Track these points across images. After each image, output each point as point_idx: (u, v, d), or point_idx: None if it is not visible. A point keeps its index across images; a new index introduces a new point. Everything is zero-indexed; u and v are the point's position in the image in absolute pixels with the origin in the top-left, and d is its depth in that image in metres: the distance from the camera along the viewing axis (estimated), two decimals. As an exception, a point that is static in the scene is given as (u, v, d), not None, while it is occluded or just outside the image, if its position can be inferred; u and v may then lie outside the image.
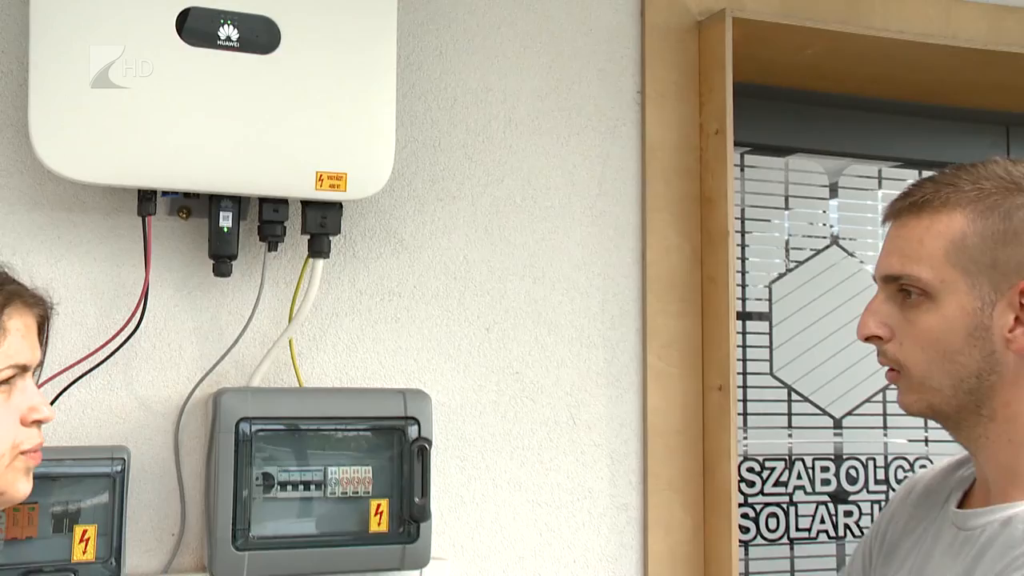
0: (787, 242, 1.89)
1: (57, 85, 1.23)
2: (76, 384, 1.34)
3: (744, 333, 1.84)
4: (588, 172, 1.60)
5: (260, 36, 1.30)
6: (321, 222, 1.37)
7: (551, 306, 1.57)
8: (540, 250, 1.57)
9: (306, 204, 1.37)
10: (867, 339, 0.93)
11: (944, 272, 0.87)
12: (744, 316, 1.85)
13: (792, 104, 1.88)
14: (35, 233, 1.35)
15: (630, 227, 1.61)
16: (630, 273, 1.61)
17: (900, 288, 0.91)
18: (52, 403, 1.31)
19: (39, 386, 0.95)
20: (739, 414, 1.80)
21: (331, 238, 1.40)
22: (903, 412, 0.93)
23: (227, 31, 1.29)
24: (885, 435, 1.91)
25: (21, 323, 0.90)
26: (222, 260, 1.36)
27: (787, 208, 1.90)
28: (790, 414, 1.86)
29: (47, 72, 1.22)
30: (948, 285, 0.87)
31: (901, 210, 0.92)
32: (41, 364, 0.95)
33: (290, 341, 1.42)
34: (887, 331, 0.91)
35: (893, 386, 0.94)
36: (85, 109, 1.23)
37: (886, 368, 0.93)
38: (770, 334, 1.86)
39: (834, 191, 1.93)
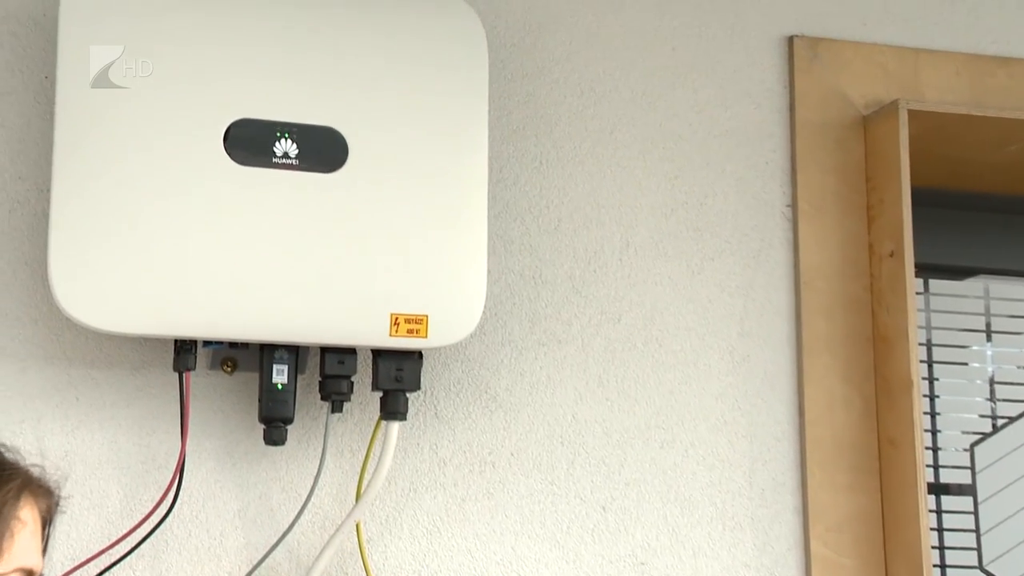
0: (992, 390, 1.86)
1: (83, 216, 1.26)
2: (93, 583, 1.34)
3: (939, 512, 1.78)
4: (727, 307, 1.58)
5: (324, 151, 1.33)
6: (396, 376, 1.37)
7: (684, 478, 1.53)
8: (668, 406, 1.55)
9: (378, 354, 1.37)
10: None
11: None
12: (938, 489, 1.79)
13: (989, 214, 1.85)
14: (49, 394, 1.37)
15: (783, 376, 1.59)
16: (784, 435, 1.57)
17: None
18: (63, 608, 1.31)
19: None
20: (937, 619, 1.74)
21: (409, 395, 1.39)
22: None
23: (284, 146, 1.32)
24: None
25: (30, 516, 0.93)
26: (275, 425, 1.35)
27: (990, 345, 1.86)
28: (1011, 623, 1.80)
29: (71, 201, 1.26)
30: None
31: None
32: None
33: (357, 525, 1.41)
34: None
35: None
36: (114, 245, 1.26)
37: None
38: (975, 513, 1.80)
39: (1054, 322, 1.90)
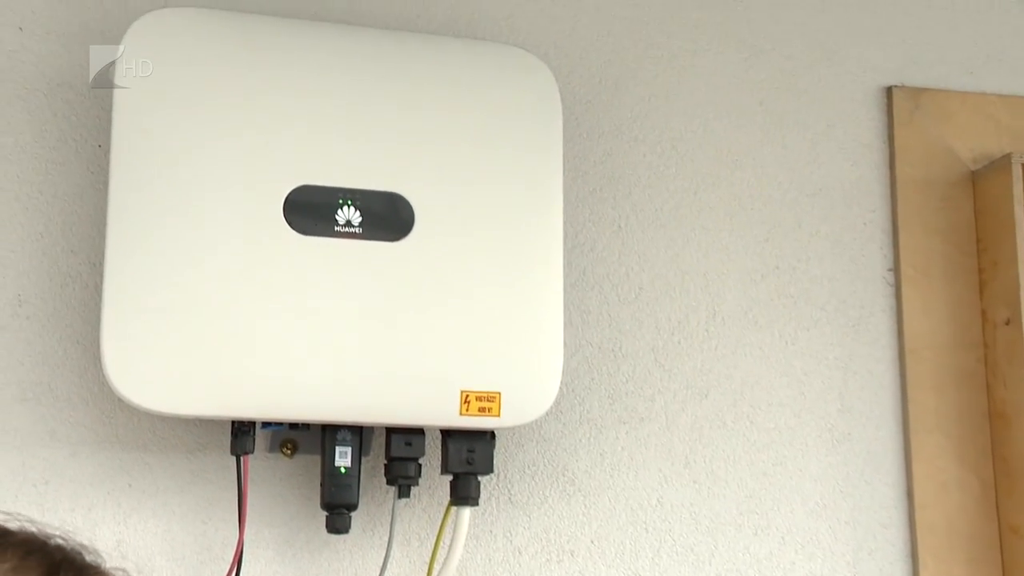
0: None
1: (137, 292, 1.26)
2: None
3: (1070, 607, 1.72)
4: (824, 381, 1.57)
5: (389, 219, 1.33)
6: (468, 457, 1.36)
7: (781, 568, 1.51)
8: (761, 489, 1.53)
9: (448, 434, 1.37)
10: None
11: None
12: (1068, 582, 1.73)
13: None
14: (100, 480, 1.37)
15: (888, 456, 1.57)
16: (892, 520, 1.55)
17: None
18: None
19: None
20: None
21: (481, 478, 1.38)
22: None
23: (347, 214, 1.32)
24: None
25: None
26: (338, 511, 1.34)
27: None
28: None
29: (125, 276, 1.26)
30: None
31: None
32: None
33: (425, 620, 1.39)
34: None
35: None
36: (169, 321, 1.26)
37: None
38: (1110, 611, 1.73)
39: None
